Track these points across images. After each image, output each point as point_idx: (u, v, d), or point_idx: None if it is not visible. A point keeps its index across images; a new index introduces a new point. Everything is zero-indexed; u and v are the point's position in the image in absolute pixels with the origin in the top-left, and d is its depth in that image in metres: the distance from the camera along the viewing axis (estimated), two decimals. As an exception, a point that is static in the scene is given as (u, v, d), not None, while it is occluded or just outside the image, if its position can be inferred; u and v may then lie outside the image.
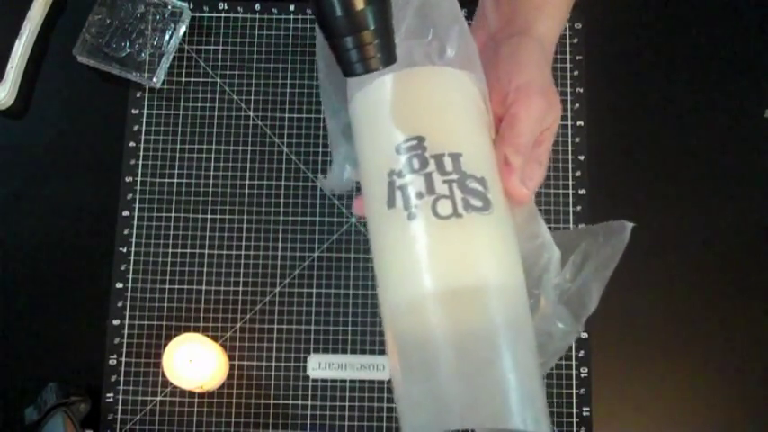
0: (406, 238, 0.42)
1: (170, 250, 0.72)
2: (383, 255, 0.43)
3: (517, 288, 0.43)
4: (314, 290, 0.71)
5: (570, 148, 0.74)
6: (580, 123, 0.74)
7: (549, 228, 0.47)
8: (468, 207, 0.41)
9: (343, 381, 0.70)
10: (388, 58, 0.40)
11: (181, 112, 0.75)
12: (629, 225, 0.47)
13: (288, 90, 0.75)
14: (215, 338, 0.70)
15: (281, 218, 0.73)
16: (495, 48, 0.49)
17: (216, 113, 0.75)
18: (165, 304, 0.71)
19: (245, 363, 0.70)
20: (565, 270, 0.47)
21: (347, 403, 0.69)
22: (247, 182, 0.74)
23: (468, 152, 0.43)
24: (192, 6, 0.77)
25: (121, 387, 0.70)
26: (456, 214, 0.41)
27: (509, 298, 0.42)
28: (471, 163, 0.42)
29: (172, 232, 0.73)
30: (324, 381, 0.70)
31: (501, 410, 0.40)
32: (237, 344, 0.70)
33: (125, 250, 0.72)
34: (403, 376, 0.42)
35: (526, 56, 0.48)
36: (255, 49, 0.76)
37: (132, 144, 0.74)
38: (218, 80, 0.76)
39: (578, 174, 0.73)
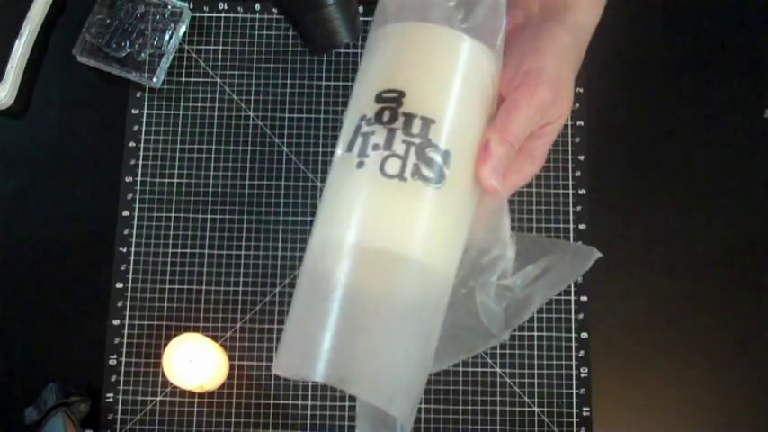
0: (347, 184, 0.41)
1: (170, 250, 0.72)
2: (326, 191, 0.43)
3: (438, 272, 0.41)
4: (314, 290, 0.71)
5: (570, 148, 0.74)
6: (580, 123, 0.74)
7: (547, 230, 0.45)
8: (416, 174, 0.40)
9: (343, 381, 0.70)
10: (352, 34, 0.41)
11: (181, 112, 0.75)
12: (597, 254, 0.46)
13: (288, 90, 0.75)
14: (215, 338, 0.70)
15: (281, 218, 0.73)
16: (525, 29, 0.47)
17: (216, 113, 0.75)
18: (165, 304, 0.71)
19: (245, 363, 0.70)
20: (517, 276, 0.46)
21: (347, 403, 0.69)
22: (247, 182, 0.73)
23: (443, 121, 0.41)
24: (191, 6, 0.77)
25: (121, 387, 0.70)
26: (401, 177, 0.40)
27: (425, 278, 0.41)
28: (442, 133, 0.41)
29: (172, 232, 0.73)
30: (324, 381, 0.70)
31: (367, 382, 0.39)
32: (237, 344, 0.70)
33: (125, 250, 0.72)
34: (291, 311, 0.41)
35: (547, 41, 0.45)
36: (255, 49, 0.76)
37: (132, 144, 0.74)
38: (218, 80, 0.76)
39: (578, 174, 0.73)
